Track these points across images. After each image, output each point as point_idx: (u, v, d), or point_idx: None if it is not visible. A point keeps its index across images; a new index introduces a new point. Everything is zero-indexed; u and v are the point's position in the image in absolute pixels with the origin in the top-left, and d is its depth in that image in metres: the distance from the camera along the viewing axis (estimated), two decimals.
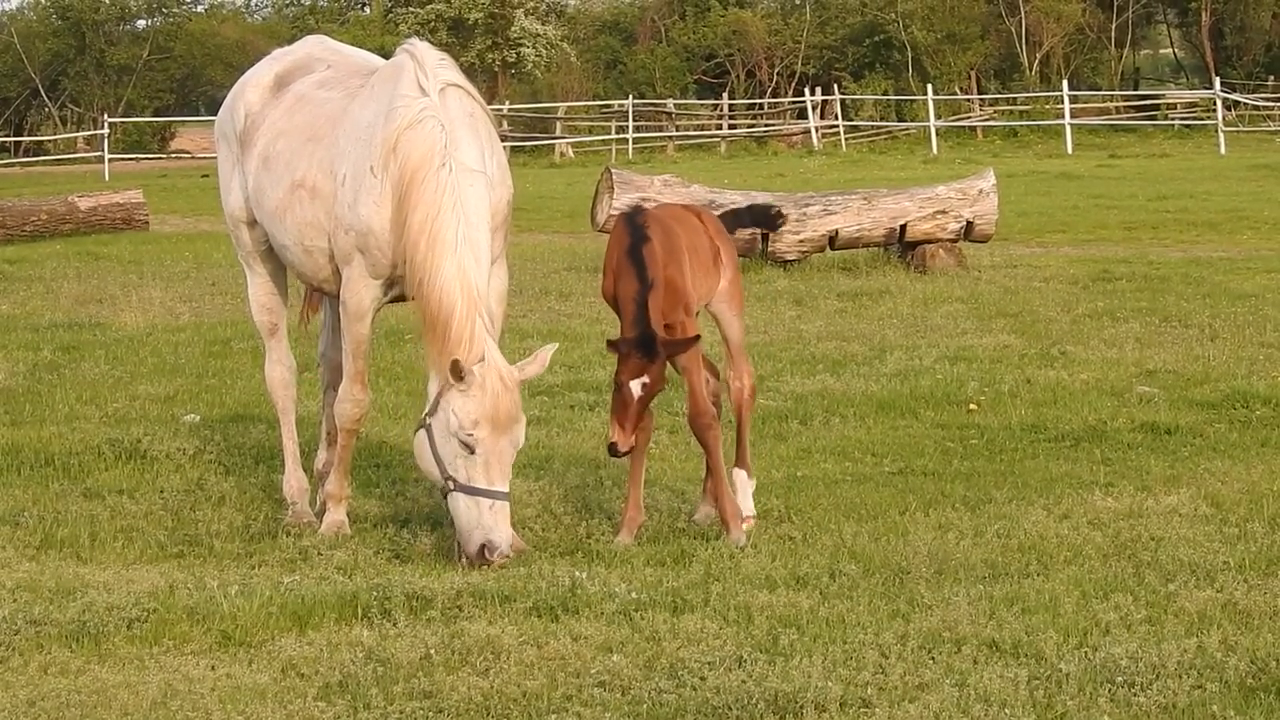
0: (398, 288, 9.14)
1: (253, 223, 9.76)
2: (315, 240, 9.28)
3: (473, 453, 8.50)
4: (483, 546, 8.45)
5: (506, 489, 8.59)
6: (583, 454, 11.06)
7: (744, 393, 9.39)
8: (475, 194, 8.84)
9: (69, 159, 64.88)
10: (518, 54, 73.06)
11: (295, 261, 9.51)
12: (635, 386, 8.60)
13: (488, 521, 8.47)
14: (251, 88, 9.85)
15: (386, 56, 9.76)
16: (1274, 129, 56.06)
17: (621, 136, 59.55)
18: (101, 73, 77.15)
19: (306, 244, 9.32)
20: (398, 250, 8.86)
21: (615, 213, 20.75)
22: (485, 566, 8.37)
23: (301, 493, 9.76)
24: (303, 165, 9.31)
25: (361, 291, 9.08)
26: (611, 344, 8.68)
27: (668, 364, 8.79)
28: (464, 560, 8.51)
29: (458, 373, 8.43)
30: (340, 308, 9.26)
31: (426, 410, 8.68)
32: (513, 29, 72.91)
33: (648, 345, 8.60)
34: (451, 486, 8.54)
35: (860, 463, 10.98)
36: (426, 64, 9.10)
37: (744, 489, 9.27)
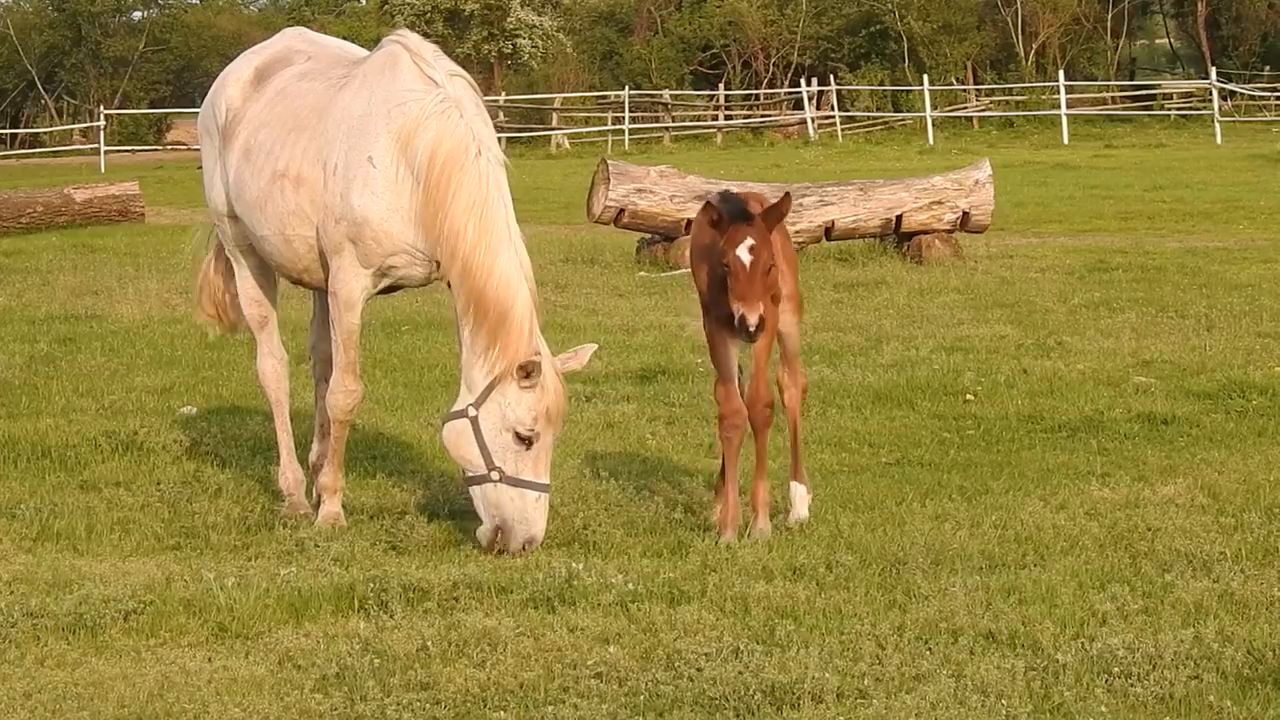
0: (388, 278, 9.17)
1: (235, 217, 9.75)
2: (297, 229, 9.27)
3: (529, 447, 8.56)
4: (524, 542, 8.55)
5: (548, 480, 8.69)
6: (579, 445, 11.04)
7: (798, 398, 9.20)
8: (504, 184, 8.94)
9: (65, 151, 64.83)
10: (514, 45, 72.99)
11: (273, 252, 9.50)
12: (743, 253, 8.26)
13: (532, 515, 8.58)
14: (232, 83, 9.82)
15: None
16: (1270, 119, 56.04)
17: (618, 128, 59.50)
18: (97, 65, 77.03)
19: (287, 233, 9.31)
20: (418, 240, 8.91)
21: (611, 204, 20.73)
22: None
23: (297, 484, 9.75)
24: (285, 155, 9.29)
25: (352, 281, 9.09)
26: (706, 207, 8.38)
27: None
28: (490, 544, 8.59)
29: (526, 372, 8.50)
30: (330, 298, 9.26)
31: (470, 400, 8.67)
32: (509, 20, 72.82)
33: (739, 209, 8.32)
34: (497, 478, 8.58)
35: (857, 453, 10.98)
36: (425, 54, 9.10)
37: (801, 501, 9.04)
